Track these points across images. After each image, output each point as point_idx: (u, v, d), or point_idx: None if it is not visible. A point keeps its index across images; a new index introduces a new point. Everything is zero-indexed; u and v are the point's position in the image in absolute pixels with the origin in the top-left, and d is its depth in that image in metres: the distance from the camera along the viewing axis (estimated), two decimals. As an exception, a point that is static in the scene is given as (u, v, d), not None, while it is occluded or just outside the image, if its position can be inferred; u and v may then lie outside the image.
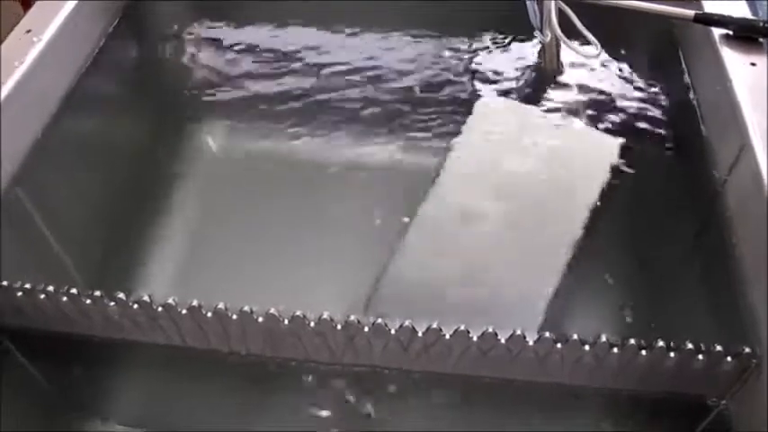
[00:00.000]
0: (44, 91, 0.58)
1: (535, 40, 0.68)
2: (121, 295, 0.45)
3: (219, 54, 0.73)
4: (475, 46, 0.71)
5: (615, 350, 0.42)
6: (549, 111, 0.65)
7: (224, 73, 0.71)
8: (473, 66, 0.69)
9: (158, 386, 0.54)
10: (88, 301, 0.45)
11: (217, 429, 0.52)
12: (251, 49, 0.73)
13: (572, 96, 0.65)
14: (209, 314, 0.44)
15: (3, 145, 0.52)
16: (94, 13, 0.65)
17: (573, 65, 0.67)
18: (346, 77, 0.70)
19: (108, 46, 0.66)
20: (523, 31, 0.69)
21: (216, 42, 0.74)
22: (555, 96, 0.66)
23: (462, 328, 0.42)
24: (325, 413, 0.52)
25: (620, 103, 0.65)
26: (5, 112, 0.52)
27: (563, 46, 0.64)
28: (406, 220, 0.57)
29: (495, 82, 0.68)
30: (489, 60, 0.70)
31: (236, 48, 0.73)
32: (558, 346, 0.42)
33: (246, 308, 0.44)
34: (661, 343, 0.42)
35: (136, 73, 0.70)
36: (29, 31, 0.58)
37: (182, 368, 0.51)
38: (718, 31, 0.57)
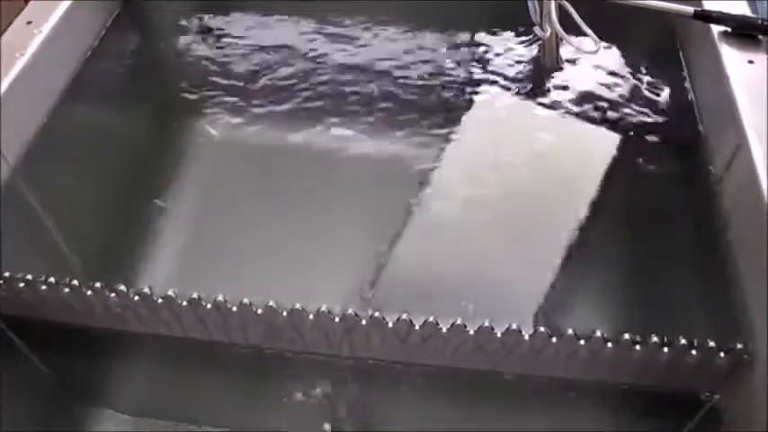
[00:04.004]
0: (45, 82, 0.58)
1: (535, 36, 0.68)
2: (122, 287, 0.45)
3: (219, 46, 0.73)
4: (475, 41, 0.71)
5: (609, 345, 0.42)
6: (547, 106, 0.65)
7: (224, 65, 0.71)
8: (473, 60, 0.70)
9: (159, 376, 0.54)
10: (89, 293, 0.46)
11: (216, 419, 0.53)
12: (251, 42, 0.73)
13: (571, 92, 0.66)
14: (210, 306, 0.45)
15: (4, 136, 0.52)
16: (95, 5, 0.65)
17: (572, 60, 0.68)
18: (347, 71, 0.70)
19: (108, 37, 0.66)
20: (523, 27, 0.69)
21: (216, 34, 0.74)
22: (554, 92, 0.66)
23: (459, 321, 0.43)
24: (323, 404, 0.53)
25: (619, 99, 0.65)
26: (7, 104, 0.52)
27: (562, 41, 0.65)
28: (406, 212, 0.58)
29: (494, 77, 0.68)
30: (489, 55, 0.70)
31: (236, 40, 0.73)
32: (553, 340, 0.43)
33: (246, 300, 0.44)
34: (655, 338, 0.42)
35: (136, 65, 0.70)
36: (30, 23, 0.58)
37: (182, 359, 0.52)
38: (717, 29, 0.57)
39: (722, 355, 0.42)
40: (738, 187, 0.49)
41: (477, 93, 0.66)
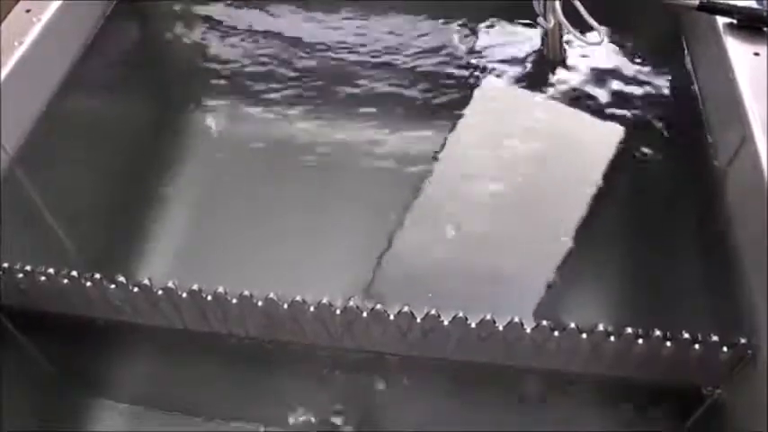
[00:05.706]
0: (44, 72, 0.58)
1: (538, 27, 0.67)
2: (122, 278, 0.45)
3: (219, 36, 0.72)
4: (477, 32, 0.71)
5: (612, 339, 0.42)
6: (551, 97, 0.65)
7: (224, 55, 0.71)
8: (476, 51, 0.69)
9: (158, 368, 0.54)
10: (88, 284, 0.45)
11: (215, 410, 0.53)
12: (251, 32, 0.72)
13: (574, 83, 0.65)
14: (210, 298, 0.45)
15: (3, 126, 0.52)
16: (94, -7, 0.65)
17: (576, 51, 0.67)
18: (348, 61, 0.70)
19: (107, 27, 0.66)
20: (527, 17, 0.68)
21: (216, 24, 0.73)
22: (557, 83, 0.66)
23: (461, 314, 0.43)
24: (323, 395, 0.52)
25: (622, 90, 0.64)
26: (5, 93, 0.52)
27: (566, 32, 0.64)
28: (407, 205, 0.57)
29: (497, 67, 0.67)
30: (492, 46, 0.69)
31: (236, 30, 0.72)
32: (556, 334, 0.42)
33: (246, 292, 0.44)
34: (658, 332, 0.42)
35: (135, 54, 0.70)
36: (28, 11, 0.57)
37: (182, 350, 0.52)
38: (722, 20, 0.56)
39: (725, 349, 0.42)
40: (743, 181, 0.49)
41: (479, 83, 0.66)
